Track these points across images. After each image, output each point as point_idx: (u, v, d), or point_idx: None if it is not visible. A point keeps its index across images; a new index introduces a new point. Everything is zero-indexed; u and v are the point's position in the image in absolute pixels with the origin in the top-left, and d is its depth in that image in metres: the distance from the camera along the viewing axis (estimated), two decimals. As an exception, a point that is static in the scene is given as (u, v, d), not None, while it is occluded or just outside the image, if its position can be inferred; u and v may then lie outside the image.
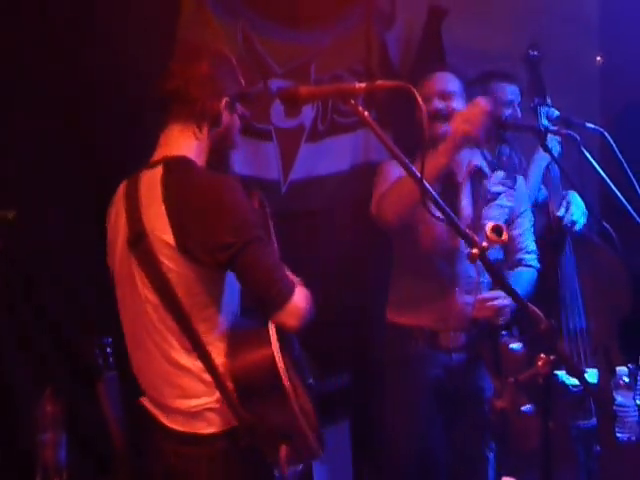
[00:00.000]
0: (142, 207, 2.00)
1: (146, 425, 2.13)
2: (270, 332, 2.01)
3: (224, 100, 2.12)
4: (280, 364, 1.97)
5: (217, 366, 2.01)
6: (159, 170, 2.02)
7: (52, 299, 2.98)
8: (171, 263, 1.95)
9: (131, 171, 2.19)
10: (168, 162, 2.04)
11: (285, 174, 3.78)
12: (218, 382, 2.00)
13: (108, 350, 2.60)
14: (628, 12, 4.63)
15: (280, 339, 2.02)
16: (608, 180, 2.84)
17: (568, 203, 3.41)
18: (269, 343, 1.99)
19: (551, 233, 3.44)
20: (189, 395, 2.04)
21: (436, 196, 1.80)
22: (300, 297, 2.03)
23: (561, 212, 3.39)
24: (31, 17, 2.93)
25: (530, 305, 1.74)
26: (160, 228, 1.96)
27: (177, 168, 2.03)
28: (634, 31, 4.62)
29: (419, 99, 1.77)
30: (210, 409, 2.04)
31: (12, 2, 2.89)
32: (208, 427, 2.04)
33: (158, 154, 2.09)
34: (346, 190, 4.03)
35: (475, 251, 1.72)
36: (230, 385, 1.99)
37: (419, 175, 1.77)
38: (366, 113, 1.86)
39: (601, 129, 2.98)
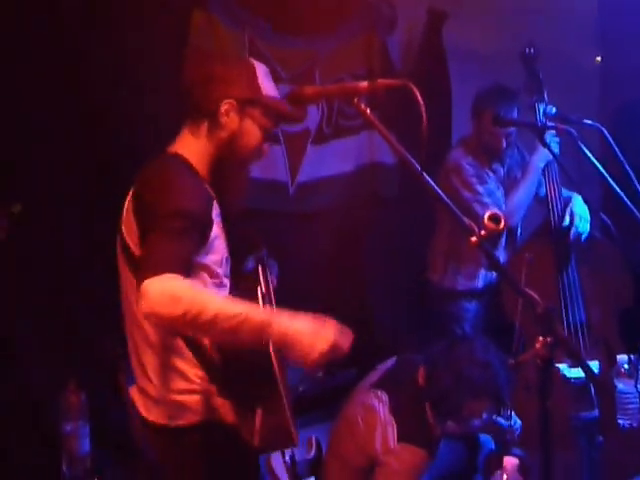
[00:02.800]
0: (126, 202, 2.10)
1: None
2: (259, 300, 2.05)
3: (227, 101, 2.08)
4: (271, 348, 1.97)
5: (200, 341, 2.02)
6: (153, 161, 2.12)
7: (71, 291, 3.10)
8: (135, 250, 2.01)
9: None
10: (161, 157, 2.11)
11: (292, 176, 3.89)
12: (201, 356, 2.01)
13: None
14: (627, 11, 4.66)
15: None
16: (606, 174, 2.90)
17: (572, 213, 3.49)
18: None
19: (552, 233, 3.52)
20: (165, 385, 2.07)
21: (436, 188, 1.87)
22: (164, 286, 1.81)
23: (566, 222, 3.48)
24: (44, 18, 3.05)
25: (527, 289, 1.80)
26: (128, 227, 2.04)
27: (159, 163, 2.08)
28: (633, 30, 4.67)
29: (419, 96, 1.83)
30: (179, 401, 2.07)
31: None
32: (177, 419, 2.08)
33: (170, 148, 2.15)
34: (351, 190, 4.14)
35: (474, 239, 1.78)
36: (217, 356, 2.00)
37: (420, 170, 1.85)
38: (369, 111, 1.92)
39: (599, 125, 3.04)
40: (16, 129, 3.01)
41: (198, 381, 2.08)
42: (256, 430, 1.98)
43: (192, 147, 2.11)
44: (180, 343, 2.04)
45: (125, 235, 2.04)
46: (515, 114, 3.58)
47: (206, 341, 2.02)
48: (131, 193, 2.06)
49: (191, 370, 2.07)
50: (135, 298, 1.92)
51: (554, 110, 3.35)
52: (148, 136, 2.91)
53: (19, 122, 3.02)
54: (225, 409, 2.07)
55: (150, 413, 2.12)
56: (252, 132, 2.13)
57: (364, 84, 1.93)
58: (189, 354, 2.05)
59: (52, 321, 3.13)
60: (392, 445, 2.73)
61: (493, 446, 3.13)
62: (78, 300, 3.17)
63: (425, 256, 3.92)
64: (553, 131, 3.35)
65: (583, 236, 3.52)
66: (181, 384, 2.07)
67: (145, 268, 1.84)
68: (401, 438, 2.74)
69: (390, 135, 1.91)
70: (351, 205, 4.14)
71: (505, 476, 2.39)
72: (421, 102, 1.81)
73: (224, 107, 2.08)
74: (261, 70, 2.17)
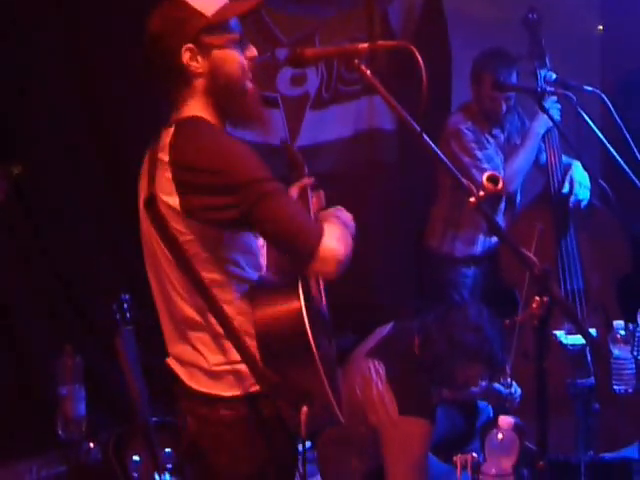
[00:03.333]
0: (156, 168, 1.97)
1: (169, 382, 2.07)
2: (298, 286, 1.93)
3: (183, 49, 1.93)
4: (306, 319, 1.90)
5: (235, 326, 1.94)
6: (170, 131, 1.98)
7: (68, 257, 3.10)
8: (179, 226, 1.92)
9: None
10: (178, 122, 1.99)
11: (291, 141, 3.87)
12: (236, 341, 1.93)
13: (125, 306, 2.69)
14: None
15: (306, 298, 1.94)
16: (605, 141, 2.89)
17: (572, 180, 3.48)
18: (296, 297, 1.92)
19: (551, 201, 3.52)
20: (207, 355, 1.97)
21: (436, 149, 1.86)
22: (331, 239, 1.91)
23: (565, 189, 3.47)
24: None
25: (523, 250, 1.80)
26: (166, 192, 1.92)
27: (183, 130, 1.96)
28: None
29: (419, 58, 1.81)
30: (229, 371, 1.97)
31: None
32: (230, 389, 1.97)
33: (173, 114, 2.04)
34: (350, 155, 4.13)
35: (472, 200, 1.77)
36: (251, 343, 1.93)
37: (420, 131, 1.84)
38: (369, 72, 1.90)
39: (599, 91, 3.03)
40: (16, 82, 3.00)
41: (235, 359, 1.98)
42: (302, 423, 1.92)
43: (195, 110, 2.00)
44: (216, 326, 1.97)
45: (163, 210, 1.94)
46: (514, 79, 3.56)
47: (240, 328, 1.96)
48: (170, 169, 1.92)
49: (226, 351, 1.98)
50: (171, 273, 1.95)
51: (554, 76, 3.33)
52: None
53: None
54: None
55: (200, 384, 2.01)
56: (224, 57, 1.98)
57: (364, 45, 1.91)
58: (225, 339, 1.97)
59: (50, 287, 3.14)
60: (394, 418, 2.72)
61: (491, 413, 3.15)
62: (76, 266, 3.18)
63: (424, 222, 3.92)
64: (554, 97, 3.33)
65: (583, 203, 3.52)
66: (219, 360, 1.99)
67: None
68: (402, 411, 2.72)
69: (390, 97, 1.89)
70: (350, 170, 4.13)
71: (500, 434, 2.38)
72: (421, 63, 1.79)
73: (185, 58, 1.94)
74: None
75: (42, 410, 2.96)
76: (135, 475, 2.74)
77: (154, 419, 2.81)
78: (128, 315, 2.70)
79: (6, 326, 3.08)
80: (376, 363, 2.81)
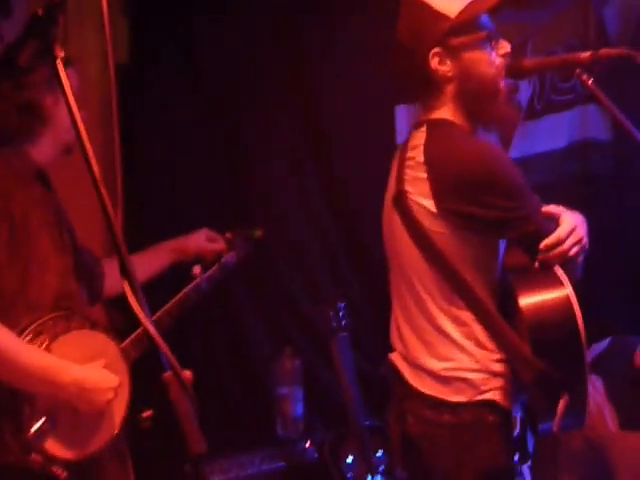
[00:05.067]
0: (406, 167, 1.96)
1: (393, 384, 2.07)
2: (559, 273, 1.91)
3: (430, 55, 1.89)
4: (576, 305, 1.87)
5: (496, 319, 1.92)
6: (423, 131, 1.96)
7: (292, 268, 3.31)
8: (432, 226, 1.90)
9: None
10: (430, 124, 1.96)
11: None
12: (498, 332, 1.91)
13: (341, 314, 2.81)
14: None
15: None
16: None
17: None
18: (562, 285, 1.89)
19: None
20: (442, 357, 1.95)
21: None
22: None
23: None
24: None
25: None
26: (419, 192, 1.91)
27: (438, 132, 1.93)
28: None
29: (643, 65, 1.76)
30: (460, 378, 1.95)
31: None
32: (456, 395, 1.95)
33: (421, 114, 2.02)
34: (564, 167, 4.02)
35: None
36: (515, 334, 1.90)
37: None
38: (591, 82, 1.87)
39: None
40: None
41: (482, 360, 1.97)
42: (559, 414, 1.88)
43: (444, 114, 1.96)
44: (459, 330, 1.96)
45: (415, 212, 1.94)
46: None
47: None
48: (425, 169, 1.91)
49: (463, 356, 1.97)
50: (420, 274, 1.95)
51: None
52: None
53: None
54: (504, 391, 1.98)
55: (420, 382, 2.00)
56: (475, 58, 1.91)
57: (586, 54, 1.88)
58: (469, 344, 1.96)
59: (273, 295, 3.34)
60: (615, 433, 2.65)
61: None
62: (299, 276, 3.37)
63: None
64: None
65: None
66: (454, 364, 1.97)
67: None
68: (624, 425, 2.64)
69: (613, 106, 1.85)
70: (563, 183, 4.02)
71: None
72: (644, 71, 1.73)
73: (433, 63, 1.90)
74: None
75: (264, 409, 3.13)
76: (349, 476, 2.84)
77: (367, 422, 2.89)
78: (344, 322, 2.82)
79: (233, 331, 3.31)
80: (593, 378, 2.73)
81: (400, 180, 1.97)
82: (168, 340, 1.22)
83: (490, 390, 1.95)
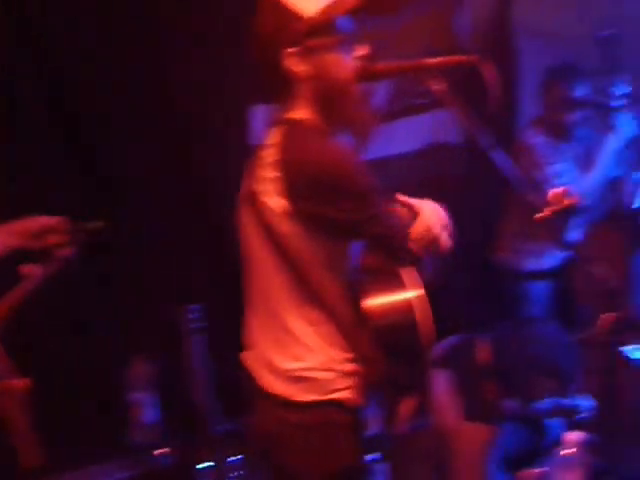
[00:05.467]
0: (261, 167, 1.94)
1: (244, 385, 2.07)
2: (407, 275, 1.95)
3: (287, 53, 1.88)
4: (416, 310, 1.91)
5: (343, 319, 1.93)
6: (279, 131, 1.95)
7: (143, 269, 3.21)
8: (285, 227, 1.89)
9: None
10: (288, 124, 1.95)
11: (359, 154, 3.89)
12: (346, 333, 1.93)
13: (196, 316, 2.75)
14: None
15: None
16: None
17: None
18: (405, 289, 1.93)
19: (622, 218, 3.48)
20: (293, 357, 1.95)
21: (506, 165, 1.86)
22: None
23: (635, 204, 3.44)
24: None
25: (595, 266, 1.79)
26: (272, 192, 1.89)
27: (292, 133, 1.92)
28: None
29: (492, 75, 1.81)
30: (307, 377, 1.95)
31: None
32: (306, 394, 1.95)
33: (284, 113, 1.98)
34: (419, 170, 4.13)
35: (543, 216, 1.79)
36: (360, 334, 1.92)
37: (490, 145, 1.84)
38: (441, 87, 1.90)
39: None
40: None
41: (333, 359, 1.97)
42: (402, 416, 1.95)
43: (302, 114, 1.94)
44: (310, 328, 1.96)
45: (268, 212, 1.92)
46: (585, 92, 3.52)
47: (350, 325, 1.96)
48: (279, 169, 1.88)
49: (314, 355, 1.97)
50: (269, 272, 1.94)
51: (629, 90, 3.29)
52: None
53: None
54: (354, 391, 1.97)
55: (274, 384, 2.00)
56: (330, 61, 1.92)
57: (436, 60, 1.91)
58: (318, 342, 1.96)
59: (124, 298, 3.23)
60: (460, 424, 2.73)
61: (560, 431, 3.12)
62: (150, 278, 3.28)
63: (493, 237, 3.90)
64: (629, 111, 3.29)
65: None
66: (306, 364, 1.96)
67: (407, 251, 1.93)
68: (468, 417, 2.74)
69: (462, 111, 1.89)
70: (417, 184, 4.13)
71: (566, 451, 2.38)
72: (494, 79, 1.79)
73: (289, 63, 1.89)
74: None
75: (116, 416, 3.03)
76: (205, 481, 2.79)
77: (224, 426, 2.86)
78: (198, 324, 2.76)
79: (82, 334, 3.19)
80: (441, 372, 2.83)
81: (254, 180, 1.96)
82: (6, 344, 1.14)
83: (339, 390, 1.96)
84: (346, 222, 1.89)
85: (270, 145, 1.94)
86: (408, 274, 1.97)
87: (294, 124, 1.94)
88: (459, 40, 4.24)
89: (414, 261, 1.94)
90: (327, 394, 1.95)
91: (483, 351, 2.86)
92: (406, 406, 1.93)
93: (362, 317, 1.94)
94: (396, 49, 3.93)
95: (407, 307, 1.92)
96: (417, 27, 4.09)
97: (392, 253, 1.96)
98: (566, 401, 2.87)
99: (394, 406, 1.96)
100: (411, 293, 1.93)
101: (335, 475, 1.96)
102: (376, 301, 1.94)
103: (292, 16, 1.88)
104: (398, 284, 1.95)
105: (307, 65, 1.90)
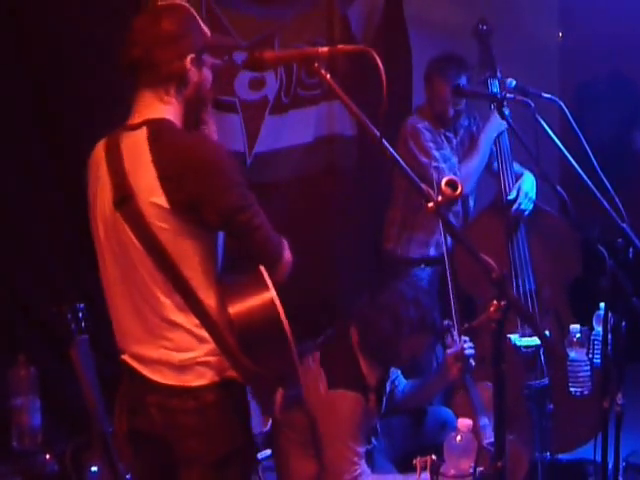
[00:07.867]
0: (127, 169, 2.00)
1: (128, 382, 2.12)
2: (265, 279, 2.03)
3: (189, 57, 2.05)
4: (280, 307, 2.00)
5: (214, 318, 2.01)
6: (143, 132, 2.01)
7: (21, 266, 3.06)
8: (162, 223, 1.97)
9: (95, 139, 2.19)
10: (151, 124, 2.03)
11: (250, 146, 3.85)
12: (215, 333, 2.01)
13: (80, 315, 2.64)
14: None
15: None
16: (563, 149, 2.91)
17: (519, 189, 3.55)
18: (267, 288, 2.02)
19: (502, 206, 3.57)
20: (180, 349, 2.03)
21: (395, 155, 1.86)
22: (287, 252, 2.09)
23: (512, 195, 3.54)
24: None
25: (481, 255, 1.82)
26: (149, 190, 1.96)
27: (162, 130, 2.02)
28: (594, 6, 4.70)
29: (379, 63, 1.81)
30: (200, 362, 2.04)
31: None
32: (197, 379, 2.04)
33: (137, 117, 2.06)
34: (310, 161, 4.11)
35: (431, 205, 1.78)
36: (228, 334, 2.00)
37: (379, 135, 1.83)
38: (329, 76, 1.90)
39: (557, 99, 3.05)
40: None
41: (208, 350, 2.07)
42: (277, 404, 2.04)
43: (172, 111, 2.08)
44: (192, 320, 2.04)
45: (143, 209, 1.98)
46: (464, 82, 3.58)
47: (218, 319, 2.03)
48: (154, 167, 1.98)
49: (200, 344, 2.06)
50: (147, 272, 2.00)
51: (514, 83, 3.36)
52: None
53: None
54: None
55: (159, 375, 2.07)
56: (208, 77, 2.14)
57: (324, 49, 1.92)
58: (201, 332, 2.04)
59: (1, 297, 3.08)
60: (323, 394, 2.75)
61: (444, 417, 3.18)
62: (29, 275, 3.13)
63: (381, 226, 3.93)
64: (508, 103, 3.36)
65: (525, 213, 3.58)
66: (193, 354, 2.05)
67: (272, 245, 2.06)
68: (330, 385, 2.76)
69: (350, 101, 1.89)
70: (309, 176, 4.12)
71: (459, 437, 2.42)
72: (381, 67, 1.80)
73: (188, 63, 2.06)
74: (194, 12, 2.15)
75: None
76: (94, 485, 2.70)
77: (111, 428, 2.76)
78: (83, 324, 2.66)
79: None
80: (314, 355, 2.88)
81: (120, 182, 2.00)
82: None
83: (230, 368, 2.04)
84: (219, 212, 1.99)
85: (133, 145, 2.01)
86: (264, 271, 2.05)
87: (161, 122, 2.04)
88: (351, 33, 4.25)
89: (272, 262, 2.04)
90: (219, 374, 2.04)
91: (352, 330, 2.90)
92: (279, 396, 2.03)
93: (229, 317, 2.01)
94: (288, 39, 3.91)
95: (271, 305, 2.00)
96: (309, 18, 4.07)
97: (256, 248, 2.04)
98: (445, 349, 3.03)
99: (269, 397, 2.05)
100: (272, 291, 2.01)
101: (229, 456, 2.06)
102: (239, 305, 2.01)
103: (199, 28, 2.11)
104: (260, 283, 2.02)
105: (197, 73, 2.09)
